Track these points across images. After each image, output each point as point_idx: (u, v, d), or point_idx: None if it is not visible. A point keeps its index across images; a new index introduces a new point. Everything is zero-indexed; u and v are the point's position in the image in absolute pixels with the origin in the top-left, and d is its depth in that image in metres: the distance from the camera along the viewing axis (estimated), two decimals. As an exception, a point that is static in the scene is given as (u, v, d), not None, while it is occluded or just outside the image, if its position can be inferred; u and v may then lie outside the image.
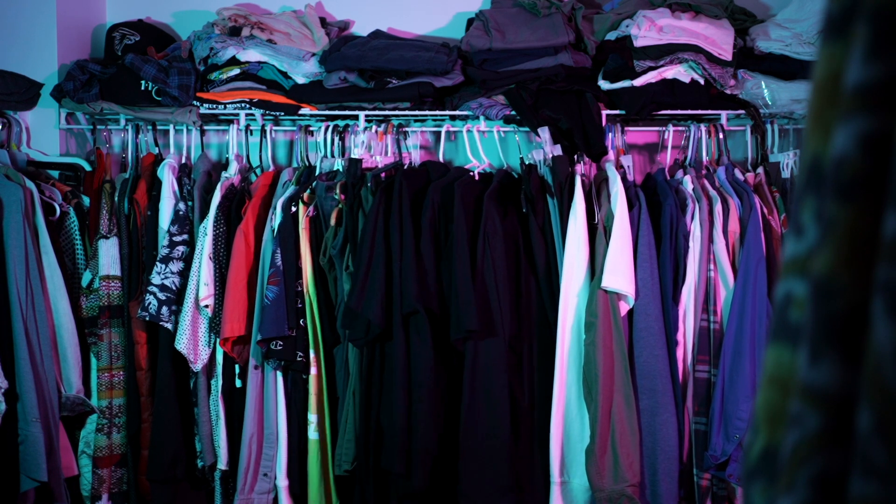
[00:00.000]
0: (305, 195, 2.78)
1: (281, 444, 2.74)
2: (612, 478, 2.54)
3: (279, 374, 2.75)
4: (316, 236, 2.75)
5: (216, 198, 2.82)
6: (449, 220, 2.66)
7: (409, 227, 2.61)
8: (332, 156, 2.92)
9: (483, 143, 2.96)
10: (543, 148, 2.81)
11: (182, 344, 2.75)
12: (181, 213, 2.85)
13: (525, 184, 2.75)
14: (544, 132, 2.81)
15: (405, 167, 2.86)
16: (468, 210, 2.66)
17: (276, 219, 2.75)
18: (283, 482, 2.74)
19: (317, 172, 2.89)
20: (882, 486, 0.49)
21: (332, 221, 2.72)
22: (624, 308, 2.63)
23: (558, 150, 2.79)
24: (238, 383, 2.81)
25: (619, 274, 2.58)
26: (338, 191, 2.74)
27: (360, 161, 2.78)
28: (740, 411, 2.58)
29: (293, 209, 2.75)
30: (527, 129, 2.95)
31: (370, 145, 2.89)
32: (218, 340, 2.77)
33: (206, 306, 2.77)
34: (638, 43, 2.89)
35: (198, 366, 2.78)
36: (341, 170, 2.86)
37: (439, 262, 2.65)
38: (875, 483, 0.49)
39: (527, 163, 2.88)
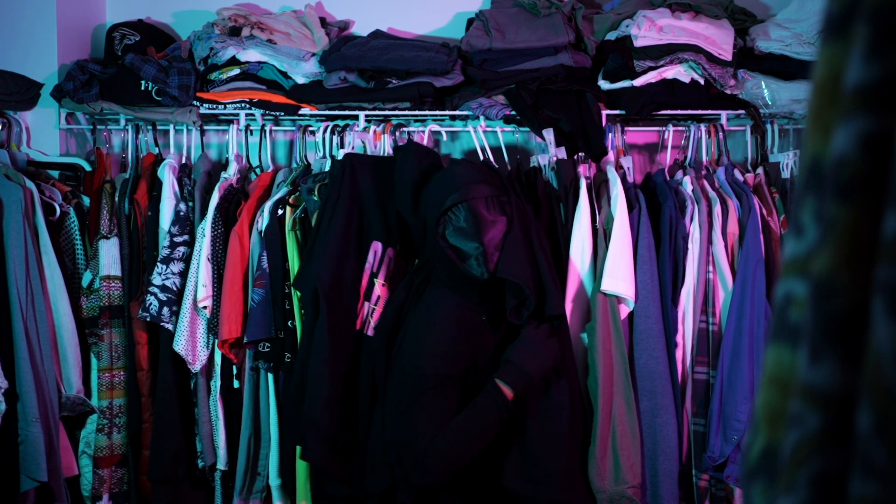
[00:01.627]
0: (292, 198, 2.76)
1: (273, 444, 2.74)
2: (613, 479, 2.53)
3: (271, 374, 2.75)
4: (304, 237, 2.74)
5: (214, 199, 2.82)
6: None
7: (344, 208, 2.56)
8: (330, 156, 2.92)
9: (482, 142, 2.96)
10: (547, 150, 2.81)
11: (180, 345, 2.74)
12: (182, 213, 2.85)
13: (530, 188, 2.74)
14: (549, 134, 2.81)
15: (361, 154, 2.78)
16: None
17: (262, 222, 2.75)
18: (275, 481, 2.73)
19: (313, 173, 2.88)
20: (882, 486, 0.49)
21: (314, 221, 2.69)
22: (624, 311, 2.63)
23: (562, 153, 2.79)
24: (236, 384, 2.81)
25: (619, 277, 2.58)
26: (316, 192, 2.73)
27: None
28: (738, 412, 2.59)
29: (279, 212, 2.74)
30: (527, 129, 2.94)
31: (364, 145, 2.88)
32: (216, 342, 2.77)
33: (205, 307, 2.76)
34: (638, 43, 2.89)
35: (196, 367, 2.78)
36: None
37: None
38: (875, 483, 0.49)
39: (531, 166, 2.88)
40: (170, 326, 2.78)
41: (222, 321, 2.71)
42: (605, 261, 2.59)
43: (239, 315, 2.73)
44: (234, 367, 2.81)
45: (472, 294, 2.30)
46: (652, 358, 2.62)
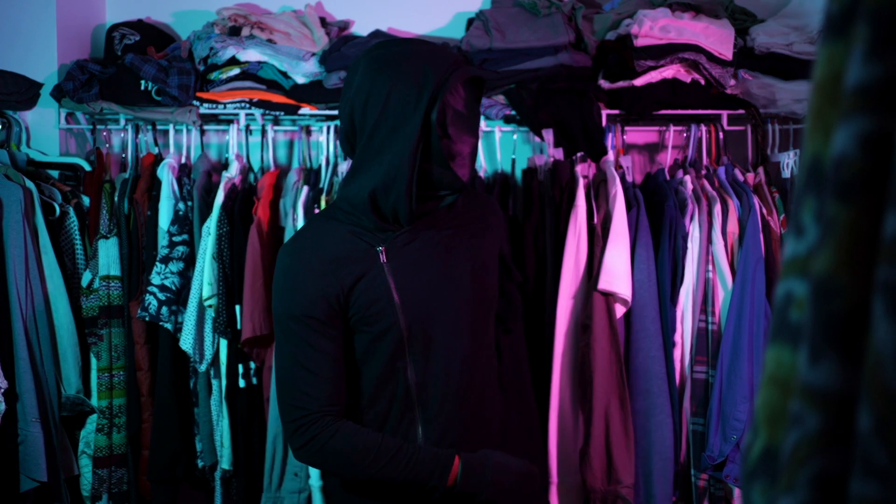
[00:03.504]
0: (326, 197, 2.77)
1: None
2: (606, 479, 2.54)
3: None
4: None
5: (219, 197, 2.80)
6: None
7: None
8: (335, 156, 2.92)
9: (484, 143, 2.96)
10: (545, 151, 2.82)
11: (188, 344, 2.74)
12: (181, 213, 2.85)
13: (524, 192, 2.74)
14: (548, 134, 2.81)
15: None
16: None
17: (297, 220, 2.74)
18: (316, 482, 2.72)
19: (339, 170, 2.88)
20: (882, 487, 0.48)
21: None
22: (620, 310, 2.63)
23: (560, 154, 2.79)
24: (242, 383, 2.79)
25: (615, 276, 2.58)
26: None
27: None
28: (738, 412, 2.59)
29: (316, 210, 2.74)
30: (526, 129, 2.94)
31: None
32: (220, 340, 2.76)
33: (210, 306, 2.76)
34: (638, 42, 2.89)
35: (203, 366, 2.77)
36: None
37: None
38: (875, 483, 0.49)
39: (527, 167, 2.88)
40: (168, 326, 2.78)
41: (244, 320, 2.69)
42: (601, 260, 2.60)
43: (262, 312, 2.71)
44: (241, 367, 2.79)
45: (368, 221, 1.75)
46: (648, 357, 2.62)
